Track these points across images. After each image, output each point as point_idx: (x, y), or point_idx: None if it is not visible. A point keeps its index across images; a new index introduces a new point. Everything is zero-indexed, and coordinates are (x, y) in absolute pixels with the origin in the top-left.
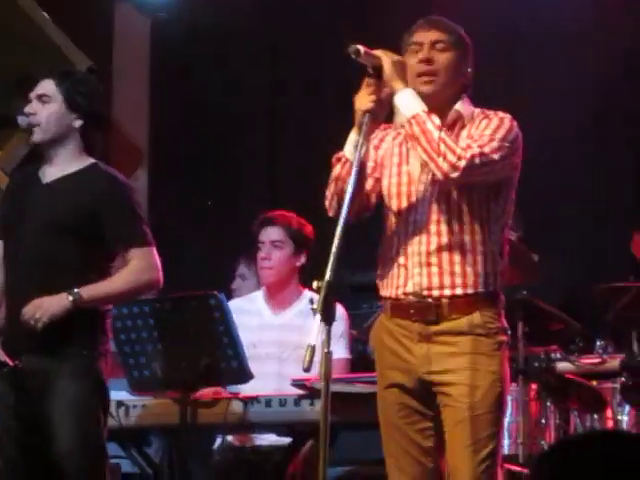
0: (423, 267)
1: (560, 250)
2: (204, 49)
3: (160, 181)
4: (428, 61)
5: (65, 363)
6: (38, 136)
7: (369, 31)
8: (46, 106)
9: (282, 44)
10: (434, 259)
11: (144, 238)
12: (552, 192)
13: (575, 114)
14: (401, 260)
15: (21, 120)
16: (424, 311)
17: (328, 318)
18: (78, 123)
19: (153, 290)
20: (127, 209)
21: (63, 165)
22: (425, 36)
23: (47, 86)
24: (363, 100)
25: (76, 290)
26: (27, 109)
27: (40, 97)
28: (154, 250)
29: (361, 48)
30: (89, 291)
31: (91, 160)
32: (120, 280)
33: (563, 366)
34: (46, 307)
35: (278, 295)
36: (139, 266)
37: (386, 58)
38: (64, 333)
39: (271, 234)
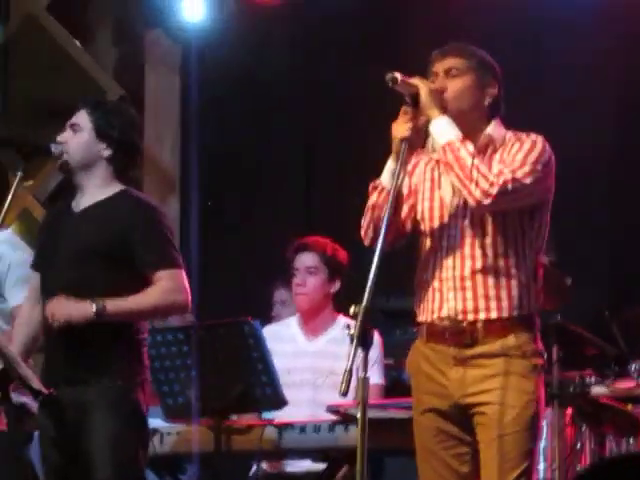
0: (457, 291)
1: (577, 274)
2: (236, 75)
3: (192, 208)
4: (442, 90)
5: (101, 394)
6: (68, 163)
7: (404, 58)
8: (76, 135)
9: (316, 72)
10: (468, 283)
11: (173, 261)
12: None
13: (592, 136)
14: (436, 285)
15: (54, 148)
16: (459, 335)
17: (365, 343)
18: (107, 153)
19: (180, 313)
20: (156, 232)
21: (94, 193)
22: (439, 65)
23: (79, 115)
24: (400, 128)
25: (101, 301)
26: (59, 137)
27: (72, 126)
28: (183, 273)
29: (398, 76)
30: (114, 304)
31: (121, 187)
32: (146, 298)
33: (598, 390)
34: (66, 309)
35: (312, 321)
36: (166, 287)
37: (423, 86)
38: (99, 363)
39: (306, 260)
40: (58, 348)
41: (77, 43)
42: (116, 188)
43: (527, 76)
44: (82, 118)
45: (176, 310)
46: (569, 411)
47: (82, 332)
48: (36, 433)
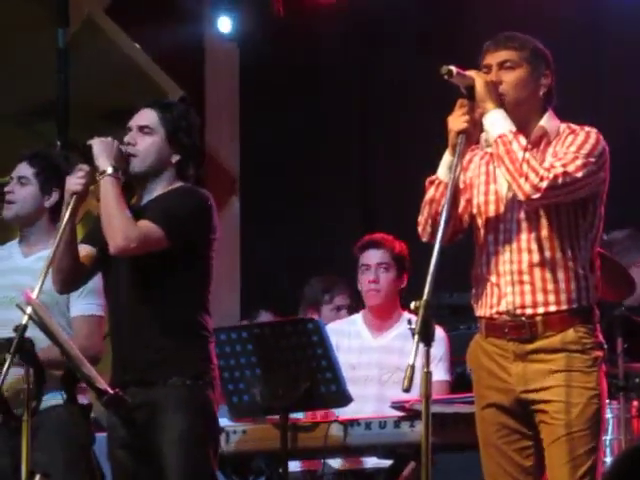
0: (515, 285)
1: None
2: (294, 76)
3: (252, 208)
4: (496, 83)
5: (170, 393)
6: (135, 166)
7: (461, 51)
8: (146, 138)
9: (373, 69)
10: (526, 277)
11: (164, 222)
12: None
13: None
14: (493, 279)
15: (123, 149)
16: (518, 330)
17: (427, 338)
18: (176, 158)
19: (111, 245)
20: (179, 202)
21: (156, 193)
22: (493, 57)
23: (150, 117)
24: (456, 121)
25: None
26: (127, 138)
27: (142, 128)
28: (160, 236)
29: (453, 69)
30: (115, 188)
31: (181, 183)
32: (125, 213)
33: None
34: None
35: (380, 317)
36: (142, 226)
37: (478, 78)
38: (167, 364)
39: (378, 256)
40: (126, 350)
41: (137, 45)
42: (176, 185)
43: (588, 72)
44: (152, 120)
45: (120, 240)
46: (635, 403)
47: (149, 331)
48: (100, 435)
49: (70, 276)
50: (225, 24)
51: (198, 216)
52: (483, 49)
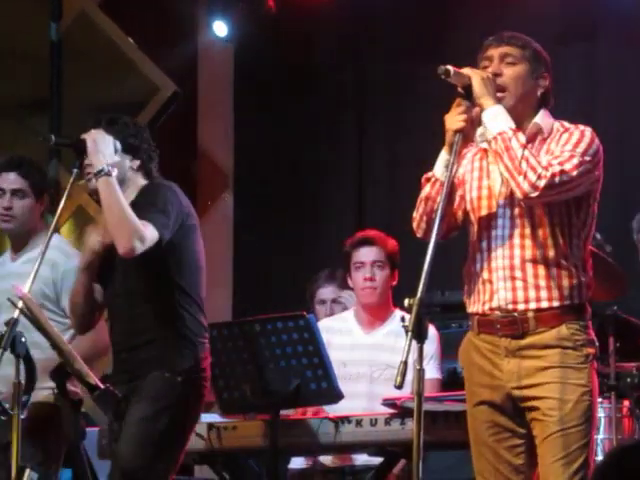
0: (507, 281)
1: None
2: (288, 73)
3: (246, 203)
4: (497, 75)
5: (147, 384)
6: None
7: (459, 48)
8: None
9: (369, 67)
10: (518, 273)
11: (156, 219)
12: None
13: None
14: (485, 275)
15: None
16: (510, 326)
17: (420, 336)
18: (136, 163)
19: (121, 246)
20: (154, 201)
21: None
22: (495, 50)
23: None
24: (454, 120)
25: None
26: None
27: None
28: (156, 232)
29: (451, 68)
30: (114, 186)
31: (145, 182)
32: (132, 214)
33: None
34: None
35: (373, 315)
36: (147, 226)
37: (475, 75)
38: (154, 361)
39: (373, 254)
40: (120, 348)
41: (130, 40)
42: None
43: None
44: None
45: (124, 238)
46: (626, 403)
47: (141, 332)
48: (91, 430)
49: (87, 319)
50: (221, 28)
51: (174, 206)
52: (484, 44)
